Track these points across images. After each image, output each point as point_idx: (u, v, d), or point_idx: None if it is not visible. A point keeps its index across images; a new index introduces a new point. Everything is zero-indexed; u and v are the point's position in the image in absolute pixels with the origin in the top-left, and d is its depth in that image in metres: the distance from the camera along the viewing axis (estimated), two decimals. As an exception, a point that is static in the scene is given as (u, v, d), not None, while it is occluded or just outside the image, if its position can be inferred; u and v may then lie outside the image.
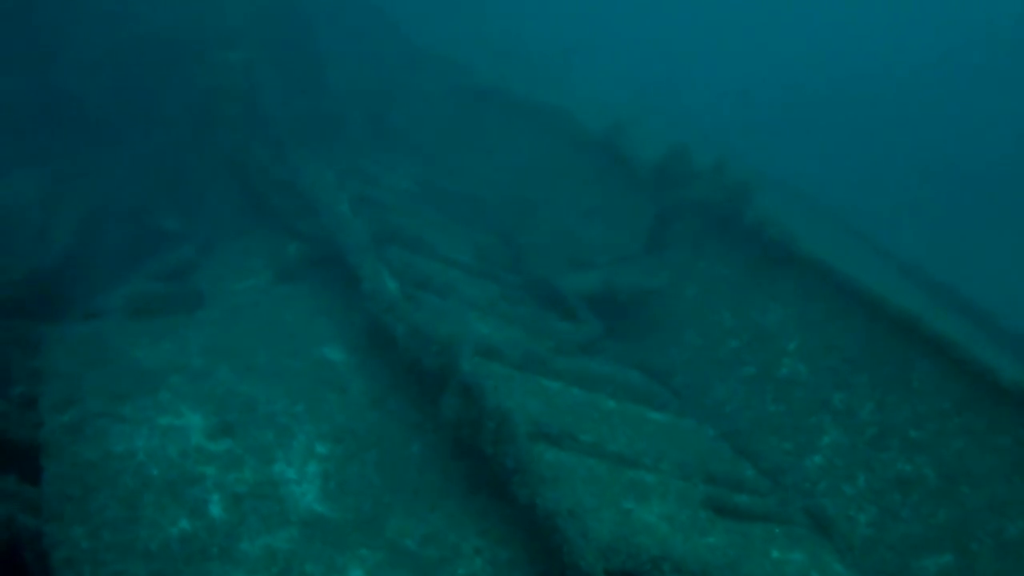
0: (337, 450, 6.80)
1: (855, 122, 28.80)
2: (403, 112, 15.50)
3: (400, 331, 7.37)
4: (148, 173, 13.65)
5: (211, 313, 8.66)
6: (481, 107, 14.89)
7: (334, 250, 9.27)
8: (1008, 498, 6.86)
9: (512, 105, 14.24)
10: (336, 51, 16.07)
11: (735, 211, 9.39)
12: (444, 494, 6.63)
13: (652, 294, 9.63)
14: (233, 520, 5.90)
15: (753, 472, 7.44)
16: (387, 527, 6.23)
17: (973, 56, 33.06)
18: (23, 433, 6.35)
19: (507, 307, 8.93)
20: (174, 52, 14.63)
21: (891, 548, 7.01)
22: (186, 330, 8.04)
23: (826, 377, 8.14)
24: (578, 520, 5.63)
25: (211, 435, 6.59)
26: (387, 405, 7.56)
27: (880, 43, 34.76)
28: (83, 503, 5.66)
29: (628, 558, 5.70)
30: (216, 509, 5.95)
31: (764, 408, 8.15)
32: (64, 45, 14.47)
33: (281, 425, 6.91)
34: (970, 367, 7.37)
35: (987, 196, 25.17)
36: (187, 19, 15.17)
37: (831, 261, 8.66)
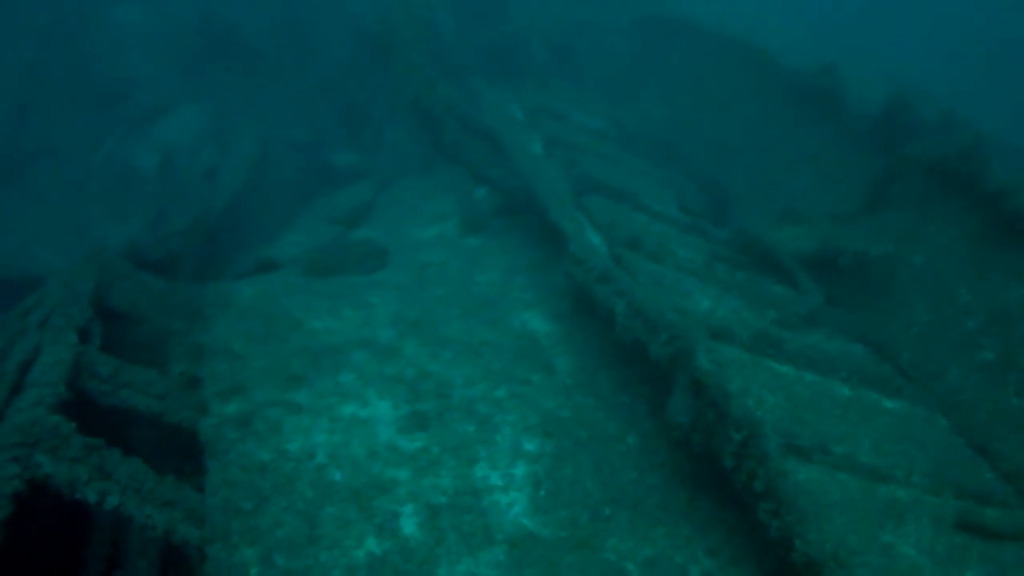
0: (547, 447, 5.73)
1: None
2: (588, 46, 14.35)
3: (619, 309, 6.23)
4: (317, 106, 13.02)
5: (397, 274, 7.71)
6: (670, 41, 13.64)
7: (529, 199, 8.22)
8: None
9: (704, 40, 12.95)
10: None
11: (971, 174, 8.05)
12: (667, 503, 5.54)
13: (877, 260, 8.39)
14: (429, 540, 4.91)
15: (992, 475, 6.22)
16: (606, 547, 5.15)
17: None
18: (184, 416, 5.48)
19: (724, 272, 7.79)
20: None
21: None
22: (369, 294, 7.13)
23: None
24: (845, 571, 4.58)
25: (403, 429, 5.60)
26: (597, 387, 6.47)
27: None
28: (253, 518, 4.74)
29: None
30: (410, 525, 4.98)
31: (1007, 401, 6.88)
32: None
33: (482, 415, 5.89)
34: None
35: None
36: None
37: None
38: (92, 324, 5.80)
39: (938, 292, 7.92)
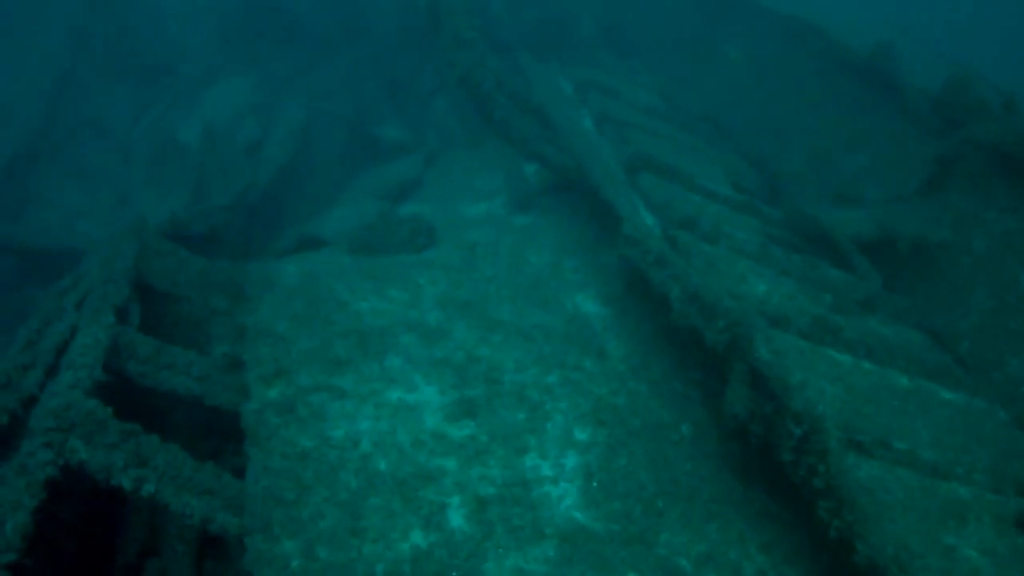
0: (599, 436, 5.50)
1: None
2: (637, 20, 14.05)
3: (675, 294, 5.98)
4: (363, 81, 12.82)
5: (445, 253, 7.50)
6: (725, 17, 13.33)
7: (580, 177, 7.97)
8: None
9: (759, 16, 12.63)
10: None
11: None
12: (720, 495, 5.33)
13: (936, 245, 8.12)
14: (477, 534, 4.71)
15: None
16: (658, 542, 4.93)
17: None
18: (225, 399, 5.32)
19: (780, 254, 7.54)
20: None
21: None
22: (417, 274, 6.92)
23: None
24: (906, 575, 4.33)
25: (450, 416, 5.40)
26: (650, 372, 6.24)
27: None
28: (295, 508, 4.56)
29: None
30: (456, 518, 4.78)
31: None
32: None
33: (532, 402, 5.66)
34: None
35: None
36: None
37: None
38: (130, 303, 5.64)
39: (999, 279, 7.66)
